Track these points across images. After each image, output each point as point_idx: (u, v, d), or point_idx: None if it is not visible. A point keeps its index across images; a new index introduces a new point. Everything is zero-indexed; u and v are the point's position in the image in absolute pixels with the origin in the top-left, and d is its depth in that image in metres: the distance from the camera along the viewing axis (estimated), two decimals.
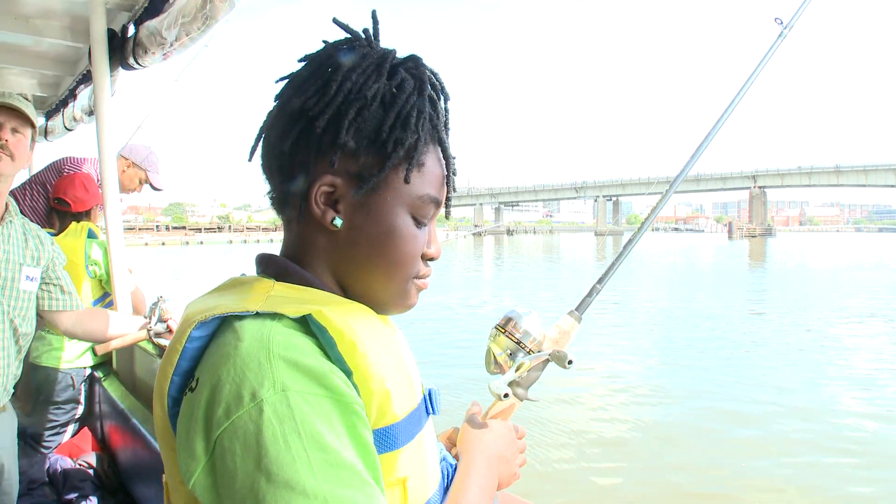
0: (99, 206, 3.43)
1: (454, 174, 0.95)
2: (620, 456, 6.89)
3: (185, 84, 3.66)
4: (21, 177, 4.11)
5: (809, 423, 7.86)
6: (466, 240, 73.23)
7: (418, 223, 0.90)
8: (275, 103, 0.90)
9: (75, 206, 3.35)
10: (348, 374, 0.75)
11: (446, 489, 1.01)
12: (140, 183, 3.90)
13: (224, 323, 0.77)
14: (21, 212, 2.53)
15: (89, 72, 3.04)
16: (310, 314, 0.77)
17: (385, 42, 0.91)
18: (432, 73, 0.91)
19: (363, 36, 0.90)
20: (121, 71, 3.01)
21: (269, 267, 0.91)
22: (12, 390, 2.30)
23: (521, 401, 1.26)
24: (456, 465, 1.08)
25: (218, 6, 2.20)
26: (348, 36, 0.90)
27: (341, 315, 0.79)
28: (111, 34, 2.85)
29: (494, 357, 1.26)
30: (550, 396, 8.71)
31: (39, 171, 3.86)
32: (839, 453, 6.94)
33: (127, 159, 3.74)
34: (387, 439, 0.79)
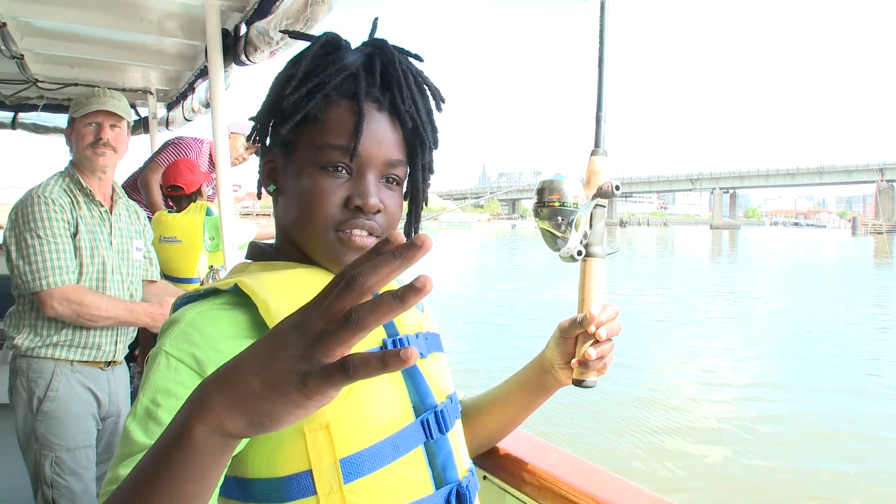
0: (208, 184, 3.89)
1: (414, 120, 1.00)
2: (728, 454, 6.82)
3: None
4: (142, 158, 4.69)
5: None
6: None
7: (332, 173, 0.95)
8: None
9: (188, 188, 3.83)
10: None
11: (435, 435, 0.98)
12: (245, 149, 4.46)
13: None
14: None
15: (206, 67, 3.29)
16: (235, 284, 0.91)
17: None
18: (376, 44, 1.00)
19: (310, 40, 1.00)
20: (234, 67, 3.25)
21: (251, 251, 1.08)
22: (128, 350, 2.71)
23: (603, 258, 1.21)
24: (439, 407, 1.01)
25: (318, 9, 2.39)
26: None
27: (267, 280, 0.93)
28: (225, 34, 3.08)
29: (551, 233, 1.20)
30: (660, 391, 8.68)
31: (156, 153, 4.56)
32: None
33: (232, 132, 4.18)
34: None
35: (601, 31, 1.28)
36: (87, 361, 2.54)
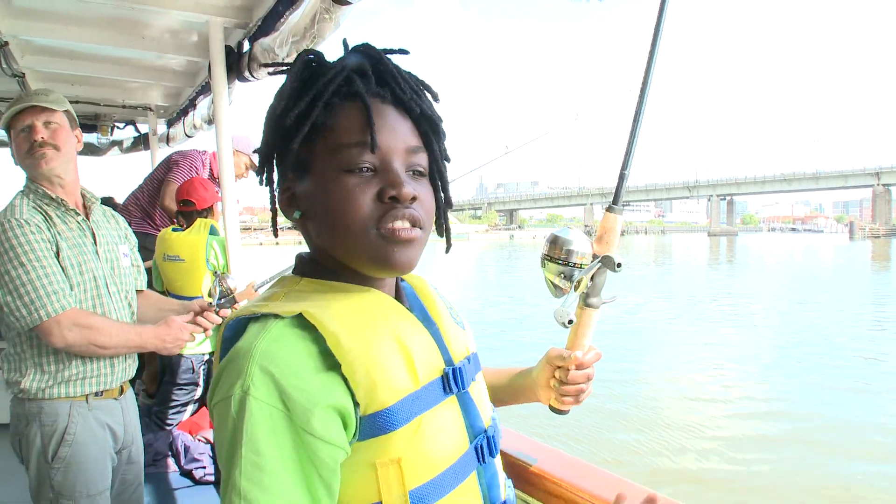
0: (218, 203, 3.87)
1: (424, 104, 0.98)
2: (725, 462, 6.82)
3: None
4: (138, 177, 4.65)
5: None
6: None
7: (357, 174, 0.91)
8: None
9: (200, 204, 3.82)
10: (337, 366, 0.85)
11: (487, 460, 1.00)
12: (246, 168, 4.43)
13: (248, 321, 0.90)
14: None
15: (208, 83, 3.29)
16: (300, 314, 0.87)
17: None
18: (359, 48, 0.98)
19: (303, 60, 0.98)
20: (237, 83, 3.26)
21: (298, 264, 1.03)
22: (137, 364, 2.49)
23: (598, 308, 1.29)
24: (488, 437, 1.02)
25: (324, 26, 2.39)
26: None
27: (333, 310, 0.89)
28: (228, 50, 3.09)
29: (553, 283, 1.29)
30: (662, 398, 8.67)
31: (168, 171, 4.48)
32: None
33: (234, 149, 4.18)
34: (376, 424, 0.86)
35: (643, 91, 1.34)
36: (102, 393, 2.27)
